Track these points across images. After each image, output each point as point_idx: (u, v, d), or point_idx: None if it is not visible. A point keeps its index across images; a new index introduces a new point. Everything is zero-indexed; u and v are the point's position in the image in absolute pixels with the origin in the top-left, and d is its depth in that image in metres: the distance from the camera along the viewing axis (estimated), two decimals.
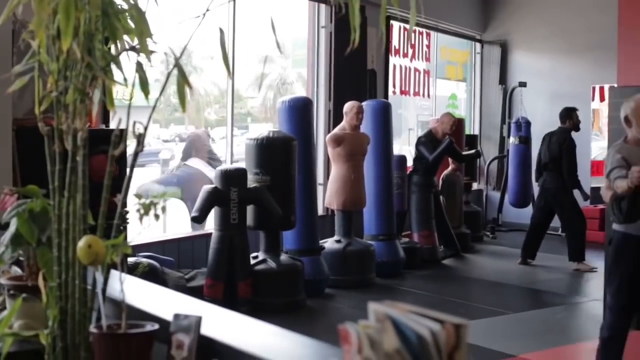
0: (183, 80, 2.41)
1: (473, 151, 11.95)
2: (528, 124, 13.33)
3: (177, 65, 2.41)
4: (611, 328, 5.19)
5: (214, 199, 7.34)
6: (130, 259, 6.79)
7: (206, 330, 2.16)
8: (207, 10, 2.47)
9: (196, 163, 9.93)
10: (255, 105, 20.67)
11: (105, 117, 7.11)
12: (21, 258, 2.65)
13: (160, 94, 2.51)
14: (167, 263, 7.57)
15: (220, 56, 2.46)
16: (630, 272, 5.09)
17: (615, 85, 7.64)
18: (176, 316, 2.21)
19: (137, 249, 7.58)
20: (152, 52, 2.42)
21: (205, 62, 10.90)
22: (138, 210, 2.25)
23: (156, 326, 2.21)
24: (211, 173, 9.02)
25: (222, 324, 2.37)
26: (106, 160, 2.32)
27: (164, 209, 2.46)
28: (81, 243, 2.15)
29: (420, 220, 10.74)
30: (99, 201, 2.22)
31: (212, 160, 9.94)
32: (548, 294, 9.23)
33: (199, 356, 2.13)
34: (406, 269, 9.90)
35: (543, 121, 13.49)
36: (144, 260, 7.03)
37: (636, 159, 4.94)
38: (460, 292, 9.18)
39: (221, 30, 2.54)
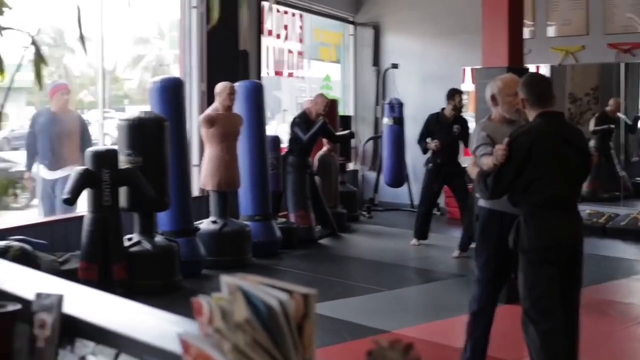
0: (39, 58, 2.39)
1: (347, 132, 12.06)
2: (401, 105, 13.48)
3: (34, 42, 2.39)
4: (480, 301, 5.35)
5: (86, 180, 7.21)
6: (1, 243, 6.66)
7: (70, 309, 2.15)
8: None
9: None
10: (133, 86, 20.37)
11: None
12: None
13: (14, 73, 2.48)
14: (39, 246, 7.41)
15: (88, 37, 2.45)
16: (496, 246, 5.25)
17: (480, 67, 7.86)
18: (38, 295, 2.20)
19: (9, 232, 7.41)
20: (3, 28, 2.39)
21: (78, 43, 10.66)
22: None
23: (18, 306, 2.19)
24: None
25: (87, 303, 2.36)
26: None
27: (22, 188, 2.43)
28: None
29: (296, 201, 10.79)
30: None
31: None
32: (425, 271, 9.43)
33: (62, 335, 2.12)
34: (283, 249, 9.95)
35: (415, 102, 13.77)
36: (15, 243, 6.89)
37: (501, 137, 5.08)
38: (337, 271, 9.28)
39: (78, 8, 2.52)
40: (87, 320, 2.14)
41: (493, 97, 5.36)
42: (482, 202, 5.38)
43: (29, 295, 2.22)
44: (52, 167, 8.75)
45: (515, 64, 7.47)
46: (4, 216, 7.45)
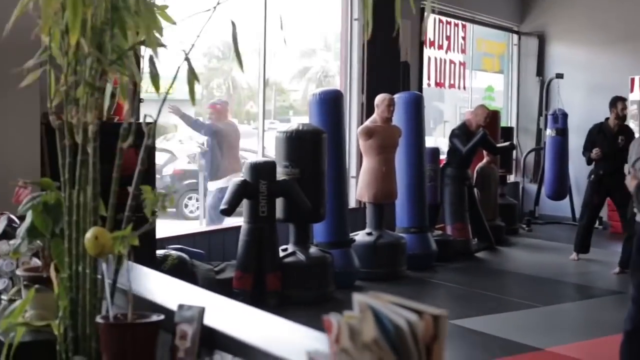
0: (192, 75, 2.45)
1: (507, 143, 11.91)
2: (565, 115, 13.24)
3: (187, 60, 2.45)
4: (634, 320, 5.15)
5: (243, 191, 7.38)
6: (160, 252, 6.86)
7: (211, 321, 2.17)
8: (218, 3, 2.50)
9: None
10: (298, 98, 20.68)
11: (138, 111, 7.17)
12: None
13: (170, 86, 2.54)
14: (197, 255, 7.62)
15: (260, 51, 2.49)
16: None
17: None
18: (180, 307, 2.23)
19: (168, 241, 7.65)
20: (161, 45, 2.46)
21: (248, 56, 10.97)
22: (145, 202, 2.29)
23: (162, 317, 2.23)
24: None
25: (228, 315, 2.39)
26: (136, 154, 2.36)
27: (171, 200, 2.49)
28: (88, 235, 2.19)
29: (453, 213, 10.72)
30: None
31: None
32: (583, 287, 9.19)
33: (201, 346, 2.15)
34: (439, 262, 9.89)
35: (580, 113, 13.43)
36: (174, 252, 7.09)
37: None
38: (492, 285, 9.14)
39: (233, 24, 2.56)
40: (226, 332, 2.16)
41: None
42: (639, 218, 5.18)
43: (173, 306, 2.26)
44: (213, 177, 9.02)
45: None
46: (165, 225, 7.68)
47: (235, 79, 19.81)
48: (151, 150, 6.06)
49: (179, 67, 2.46)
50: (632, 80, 13.14)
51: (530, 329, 7.17)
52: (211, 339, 2.15)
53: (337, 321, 1.46)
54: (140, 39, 2.42)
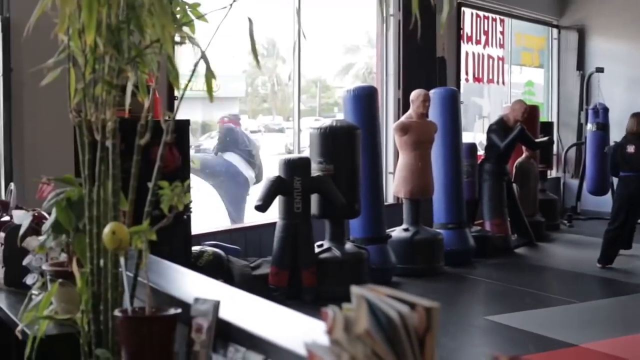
0: (209, 72, 2.48)
1: (546, 138, 11.82)
2: (606, 110, 13.20)
3: (203, 56, 2.48)
4: None
5: (278, 187, 7.44)
6: (195, 248, 6.93)
7: (226, 314, 2.20)
8: (234, 0, 2.54)
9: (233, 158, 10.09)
10: (343, 94, 20.70)
11: (171, 108, 7.25)
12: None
13: (187, 84, 2.58)
14: (233, 251, 7.68)
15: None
16: None
17: None
18: (196, 300, 2.26)
19: (204, 237, 7.72)
20: (177, 43, 2.50)
21: (291, 53, 11.05)
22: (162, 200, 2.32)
23: (179, 310, 2.27)
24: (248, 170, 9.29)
25: (243, 308, 2.43)
26: (170, 151, 2.39)
27: (187, 196, 2.53)
28: (106, 230, 2.23)
29: (492, 209, 10.70)
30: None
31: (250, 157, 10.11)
32: (622, 283, 9.10)
33: (216, 339, 2.18)
34: (477, 258, 9.88)
35: (621, 107, 13.31)
36: (209, 248, 7.16)
37: None
38: (530, 281, 9.11)
39: (250, 21, 2.59)
40: (240, 326, 2.18)
41: None
42: None
43: (188, 298, 2.31)
44: None
45: None
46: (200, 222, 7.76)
47: (279, 76, 19.89)
48: (187, 148, 6.14)
49: (195, 65, 2.50)
50: None
51: (566, 325, 7.14)
52: (226, 331, 2.18)
53: (333, 312, 1.49)
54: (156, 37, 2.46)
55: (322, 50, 9.83)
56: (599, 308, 7.95)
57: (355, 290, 1.52)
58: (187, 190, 2.38)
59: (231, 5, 2.53)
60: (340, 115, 14.96)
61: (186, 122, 6.01)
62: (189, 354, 2.22)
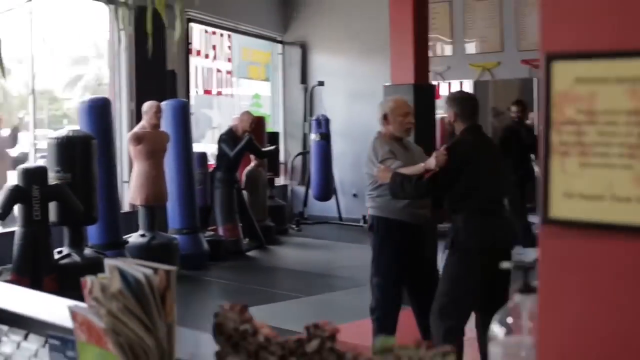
0: None
1: (272, 147, 12.42)
2: (327, 121, 13.93)
3: None
4: (383, 307, 5.84)
5: (16, 196, 7.49)
6: None
7: None
8: None
9: None
10: (72, 106, 20.31)
11: None
12: None
13: None
14: None
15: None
16: (396, 253, 5.75)
17: (389, 84, 8.34)
18: None
19: None
20: None
21: (14, 65, 10.88)
22: None
23: None
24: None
25: (3, 294, 2.71)
26: None
27: None
28: None
29: (223, 214, 11.12)
30: None
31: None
32: (341, 278, 9.82)
33: None
34: (211, 261, 10.29)
35: (343, 118, 14.23)
36: None
37: (397, 151, 5.65)
38: (261, 280, 9.68)
39: None
40: (2, 307, 2.48)
41: (385, 116, 5.83)
42: (376, 212, 5.83)
43: None
44: None
45: (421, 81, 7.96)
46: None
47: (4, 87, 19.25)
48: None
49: None
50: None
51: (294, 316, 7.70)
52: None
53: (91, 280, 1.87)
54: None
55: (50, 61, 9.83)
56: (323, 301, 8.59)
57: (108, 262, 1.90)
58: None
59: None
60: (70, 127, 14.86)
61: None
62: None
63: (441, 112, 12.37)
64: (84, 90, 20.68)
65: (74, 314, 1.88)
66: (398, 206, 5.67)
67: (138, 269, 1.76)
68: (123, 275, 1.76)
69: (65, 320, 2.16)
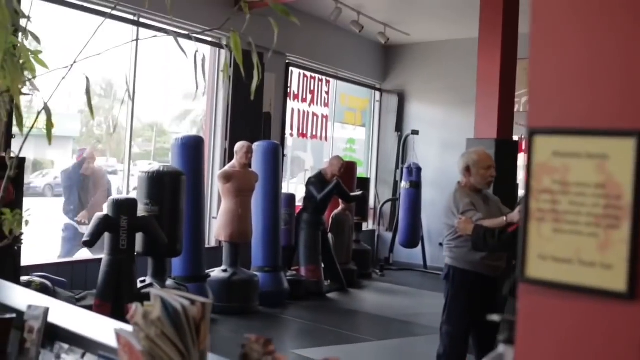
0: (48, 120, 3.02)
1: (360, 192, 12.54)
2: (419, 169, 14.05)
3: (45, 107, 3.02)
4: (450, 355, 5.93)
5: (105, 225, 7.82)
6: (24, 278, 7.25)
7: (54, 319, 2.70)
8: (74, 62, 3.09)
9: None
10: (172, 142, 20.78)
11: (7, 146, 7.61)
12: None
13: (32, 127, 3.11)
14: (59, 283, 8.01)
15: (127, 95, 3.04)
16: (468, 303, 5.84)
17: (472, 137, 8.44)
18: (29, 307, 2.75)
19: (32, 269, 8.03)
20: (24, 94, 3.02)
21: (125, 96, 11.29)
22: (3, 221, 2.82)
23: (14, 315, 2.77)
24: None
25: (67, 315, 2.93)
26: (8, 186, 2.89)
27: (25, 223, 3.05)
28: None
29: (307, 255, 11.30)
30: None
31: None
32: (419, 325, 9.85)
33: (45, 338, 2.67)
34: (290, 300, 10.48)
35: (434, 167, 14.31)
36: (37, 279, 7.49)
37: (477, 203, 5.76)
38: (338, 322, 9.75)
39: (87, 79, 3.13)
40: (65, 327, 2.69)
41: (467, 168, 5.93)
42: (453, 262, 5.92)
43: (22, 307, 2.78)
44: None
45: (505, 135, 8.03)
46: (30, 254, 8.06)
47: (115, 117, 19.72)
48: (22, 184, 6.51)
49: (39, 113, 3.02)
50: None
51: (364, 358, 7.85)
52: (53, 332, 2.67)
53: (135, 306, 2.06)
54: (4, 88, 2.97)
55: (160, 95, 10.18)
56: (398, 345, 8.67)
57: (153, 291, 2.09)
58: (22, 220, 2.90)
59: (72, 65, 3.09)
60: (162, 163, 15.23)
61: (22, 160, 6.38)
62: (21, 351, 2.68)
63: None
64: (192, 125, 21.15)
65: (118, 336, 2.07)
66: (475, 258, 5.76)
67: (178, 299, 1.94)
68: (164, 304, 1.94)
69: (115, 342, 2.37)
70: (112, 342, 2.45)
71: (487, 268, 5.80)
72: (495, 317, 1.68)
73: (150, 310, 2.01)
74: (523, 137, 12.96)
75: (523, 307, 1.48)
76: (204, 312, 1.99)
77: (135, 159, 16.81)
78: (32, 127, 3.17)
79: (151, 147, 15.85)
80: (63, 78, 3.07)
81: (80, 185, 9.76)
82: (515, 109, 8.86)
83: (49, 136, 3.11)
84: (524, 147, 12.47)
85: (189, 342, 1.97)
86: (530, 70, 1.47)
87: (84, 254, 9.27)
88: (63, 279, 8.24)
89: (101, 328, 2.76)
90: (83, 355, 2.56)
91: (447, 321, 5.98)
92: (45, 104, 3.07)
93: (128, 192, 9.90)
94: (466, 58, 14.00)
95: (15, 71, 2.93)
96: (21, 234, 3.01)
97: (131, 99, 9.75)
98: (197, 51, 3.21)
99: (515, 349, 1.48)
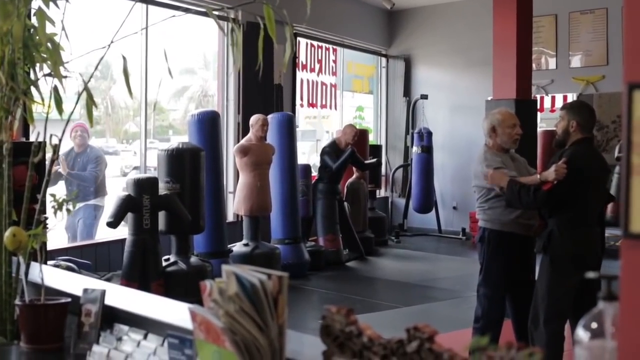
0: (90, 100, 2.98)
1: (374, 160, 12.53)
2: (429, 134, 14.01)
3: (86, 88, 2.98)
4: (487, 316, 5.92)
5: (128, 205, 7.80)
6: (50, 262, 7.24)
7: (110, 301, 2.68)
8: (112, 42, 3.05)
9: None
10: (177, 117, 20.75)
11: (25, 131, 7.59)
12: None
13: (72, 111, 3.07)
14: (84, 266, 7.99)
15: (133, 74, 3.00)
16: (505, 264, 5.83)
17: (490, 99, 8.38)
18: (85, 290, 2.72)
19: (56, 253, 8.02)
20: (64, 77, 2.98)
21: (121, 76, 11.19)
22: (53, 207, 2.80)
23: (69, 299, 2.75)
24: None
25: (123, 296, 2.92)
26: (26, 170, 2.87)
27: (74, 205, 3.03)
28: (7, 233, 2.69)
29: (325, 225, 11.31)
30: (21, 204, 2.76)
31: None
32: (439, 289, 9.89)
33: (103, 321, 2.65)
34: (311, 271, 10.49)
35: (444, 131, 14.28)
36: (63, 262, 7.48)
37: (507, 162, 5.73)
38: (360, 290, 9.78)
39: (124, 58, 3.09)
40: (123, 308, 2.66)
41: (493, 129, 5.88)
42: (487, 224, 5.88)
43: (76, 292, 2.77)
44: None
45: (523, 95, 7.98)
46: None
47: (113, 98, 19.74)
48: (43, 168, 6.47)
49: (79, 94, 2.99)
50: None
51: (393, 325, 7.80)
52: (111, 314, 2.65)
53: (210, 284, 2.03)
54: (47, 72, 2.94)
55: (156, 72, 10.09)
56: (421, 311, 8.67)
57: (225, 267, 2.06)
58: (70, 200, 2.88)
59: (109, 45, 3.05)
60: (174, 138, 15.25)
61: (43, 144, 6.33)
62: (80, 335, 2.66)
63: (544, 125, 12.41)
64: (189, 102, 21.04)
65: (193, 314, 2.04)
66: (510, 218, 5.72)
67: (253, 274, 1.90)
68: (239, 280, 1.91)
69: (182, 321, 2.35)
70: (176, 321, 2.43)
71: (521, 227, 5.76)
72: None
73: (224, 287, 1.98)
74: (542, 96, 12.98)
75: (627, 262, 1.44)
76: (280, 285, 1.96)
77: (133, 138, 16.76)
78: (72, 111, 3.14)
79: (150, 125, 15.85)
80: (102, 58, 3.03)
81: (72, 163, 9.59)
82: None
83: (90, 117, 3.08)
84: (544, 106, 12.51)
85: (267, 317, 1.94)
86: (626, 26, 1.43)
87: (105, 234, 9.22)
88: (87, 262, 8.23)
89: (159, 307, 2.74)
90: (145, 336, 2.53)
91: (484, 283, 5.95)
92: (86, 84, 3.04)
93: (144, 171, 9.87)
94: (472, 19, 13.99)
95: (57, 55, 2.90)
96: (46, 218, 2.98)
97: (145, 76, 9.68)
98: (232, 29, 3.17)
99: (620, 305, 1.45)
